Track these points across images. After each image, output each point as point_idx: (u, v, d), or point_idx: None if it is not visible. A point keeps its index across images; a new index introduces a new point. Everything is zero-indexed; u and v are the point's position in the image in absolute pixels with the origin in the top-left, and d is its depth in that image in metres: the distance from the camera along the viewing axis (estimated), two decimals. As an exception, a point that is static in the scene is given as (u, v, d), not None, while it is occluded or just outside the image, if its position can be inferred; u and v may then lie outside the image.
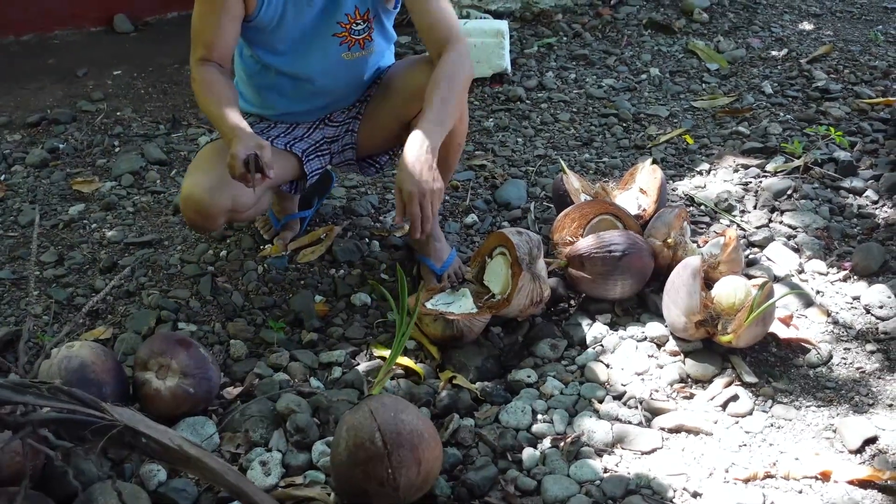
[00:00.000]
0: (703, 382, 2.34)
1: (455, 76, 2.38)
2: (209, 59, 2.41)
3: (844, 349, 2.44)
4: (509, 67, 4.24)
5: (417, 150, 2.24)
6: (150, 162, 3.51)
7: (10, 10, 4.70)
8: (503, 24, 4.24)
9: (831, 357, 2.41)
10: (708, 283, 2.53)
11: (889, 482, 1.99)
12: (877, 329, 2.51)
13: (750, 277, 2.53)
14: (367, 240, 2.97)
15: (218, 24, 2.38)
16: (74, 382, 2.01)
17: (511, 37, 4.45)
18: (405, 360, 2.41)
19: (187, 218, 2.47)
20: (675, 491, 1.99)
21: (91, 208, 3.20)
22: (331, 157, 2.75)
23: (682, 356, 2.42)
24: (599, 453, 2.12)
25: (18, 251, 2.94)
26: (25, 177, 3.42)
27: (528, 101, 4.04)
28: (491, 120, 3.85)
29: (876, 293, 2.60)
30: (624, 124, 3.82)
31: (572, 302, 2.65)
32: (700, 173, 3.38)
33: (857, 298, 2.63)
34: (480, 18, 4.67)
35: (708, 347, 2.42)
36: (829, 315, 2.57)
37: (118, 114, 3.95)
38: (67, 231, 3.06)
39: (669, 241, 2.63)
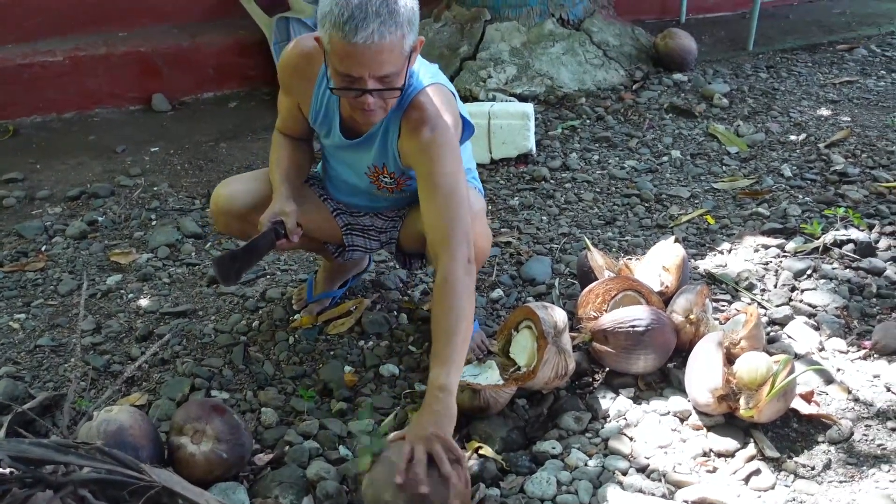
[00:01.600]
0: (726, 456, 2.37)
1: (445, 301, 2.27)
2: (282, 131, 2.70)
3: (865, 426, 2.47)
4: (534, 148, 4.35)
5: (431, 432, 2.09)
6: (185, 235, 3.62)
7: (53, 88, 4.89)
8: (528, 107, 4.37)
9: (852, 434, 2.44)
10: (729, 359, 2.57)
11: (911, 557, 2.02)
12: (897, 407, 2.54)
13: (771, 354, 2.58)
14: (395, 312, 3.04)
15: (285, 114, 2.67)
16: (113, 445, 2.06)
17: (536, 119, 4.58)
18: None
19: (212, 214, 2.75)
20: (698, 563, 2.02)
21: (128, 279, 3.30)
22: (380, 244, 2.86)
23: (704, 430, 2.46)
24: (623, 525, 2.15)
25: (58, 319, 3.03)
26: (65, 248, 3.53)
27: (552, 181, 4.14)
28: (516, 199, 3.95)
29: (896, 371, 2.64)
30: (646, 204, 3.90)
31: (596, 376, 2.70)
32: (721, 252, 3.45)
33: (877, 376, 2.66)
34: (506, 101, 4.81)
35: (730, 422, 2.46)
36: (849, 392, 2.61)
37: (155, 189, 4.08)
38: (105, 300, 3.16)
39: (692, 317, 2.69)
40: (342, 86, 2.20)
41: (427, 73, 2.42)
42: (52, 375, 2.74)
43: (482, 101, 4.87)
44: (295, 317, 2.98)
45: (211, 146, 4.59)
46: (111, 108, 5.05)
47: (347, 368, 2.75)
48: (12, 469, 1.79)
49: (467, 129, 2.51)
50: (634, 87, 5.32)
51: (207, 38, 5.28)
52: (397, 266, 3.01)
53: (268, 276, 3.32)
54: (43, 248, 3.54)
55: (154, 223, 3.76)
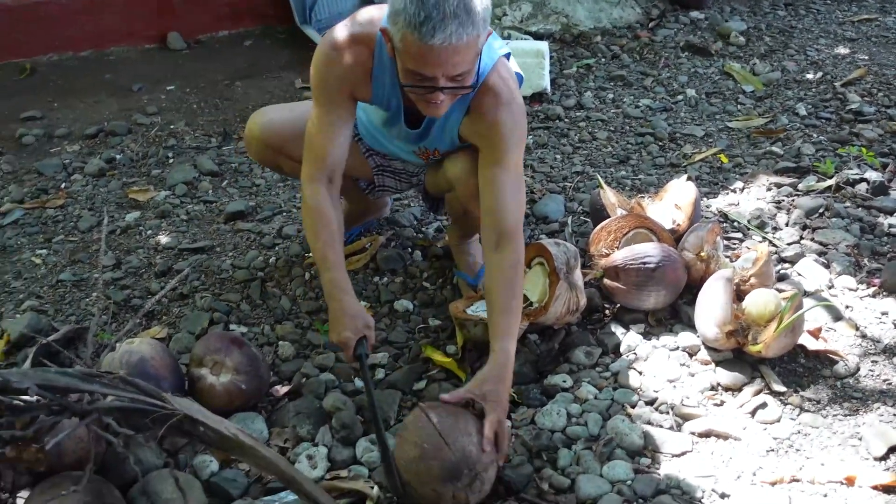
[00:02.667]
0: (733, 390, 2.41)
1: (517, 283, 2.30)
2: (320, 175, 2.38)
3: (872, 362, 2.51)
4: (549, 87, 4.35)
5: (502, 379, 2.19)
6: (202, 173, 3.66)
7: (69, 27, 4.88)
8: (544, 45, 4.36)
9: (859, 369, 2.48)
10: (739, 295, 2.61)
11: (912, 488, 2.07)
12: (904, 343, 2.58)
13: (780, 291, 2.61)
14: (409, 249, 3.08)
15: (331, 132, 2.37)
16: (135, 376, 2.11)
17: (551, 57, 4.56)
18: (448, 363, 2.53)
19: (245, 137, 2.75)
20: (703, 492, 2.07)
21: (146, 216, 3.35)
22: (411, 186, 2.90)
23: (713, 365, 2.50)
24: (631, 455, 2.20)
25: (79, 255, 3.09)
26: (84, 185, 3.58)
27: (566, 120, 4.15)
28: (531, 137, 3.96)
29: (904, 309, 2.67)
30: (660, 143, 3.91)
31: (607, 312, 2.74)
32: (733, 191, 3.46)
33: (885, 314, 2.70)
34: (522, 39, 4.79)
35: (738, 357, 2.50)
36: (857, 329, 2.64)
37: (171, 127, 4.10)
38: (124, 237, 3.21)
39: (702, 254, 2.72)
40: (413, 83, 2.13)
41: (488, 49, 2.32)
42: (74, 309, 2.80)
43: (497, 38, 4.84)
44: (310, 254, 3.02)
45: (226, 85, 4.60)
46: (127, 46, 5.04)
47: (363, 303, 2.80)
48: (39, 397, 1.85)
49: (519, 79, 2.51)
50: (650, 25, 5.29)
51: (222, -24, 5.27)
52: (424, 207, 3.02)
53: (284, 214, 3.36)
54: (62, 186, 3.59)
55: (171, 161, 3.79)
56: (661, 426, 2.30)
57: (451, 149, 2.54)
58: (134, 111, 4.27)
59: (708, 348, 2.55)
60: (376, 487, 2.09)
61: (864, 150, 3.67)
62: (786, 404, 2.36)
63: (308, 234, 2.41)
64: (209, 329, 2.67)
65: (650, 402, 2.39)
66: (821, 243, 3.06)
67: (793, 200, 3.35)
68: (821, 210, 3.25)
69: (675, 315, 2.72)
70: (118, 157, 3.81)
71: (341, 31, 2.34)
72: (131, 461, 1.95)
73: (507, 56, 2.44)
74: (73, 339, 2.61)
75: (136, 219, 3.32)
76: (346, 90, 2.36)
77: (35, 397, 1.84)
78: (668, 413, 2.34)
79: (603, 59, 4.82)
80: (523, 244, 2.35)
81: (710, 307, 2.49)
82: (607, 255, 2.77)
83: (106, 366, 2.20)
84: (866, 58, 4.77)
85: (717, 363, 2.50)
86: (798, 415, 2.33)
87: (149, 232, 3.24)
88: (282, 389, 2.45)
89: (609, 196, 3.03)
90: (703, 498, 2.06)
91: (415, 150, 2.60)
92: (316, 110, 2.38)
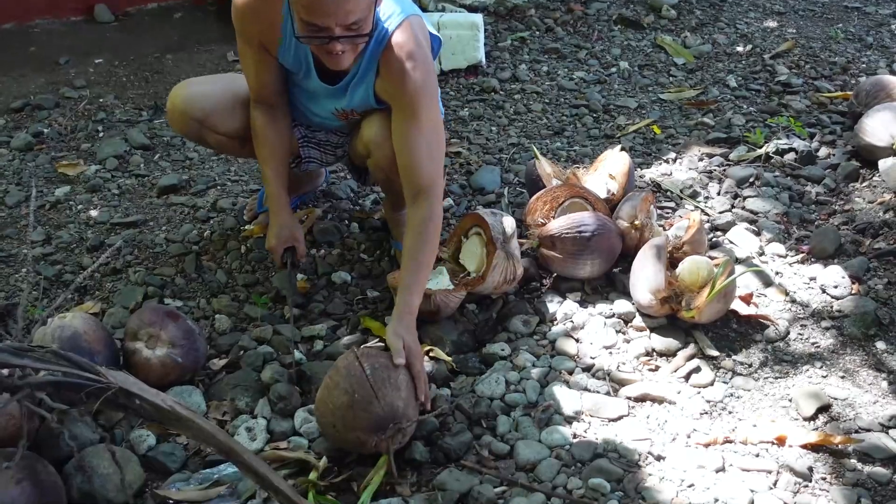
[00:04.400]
0: (668, 356, 2.46)
1: (428, 238, 2.36)
2: (258, 101, 2.59)
3: (801, 326, 2.57)
4: (484, 59, 4.35)
5: (410, 329, 2.25)
6: (133, 147, 3.58)
7: (-10, -2, 4.74)
8: (478, 18, 4.35)
9: (788, 333, 2.54)
10: (672, 263, 2.65)
11: (839, 446, 2.13)
12: (831, 307, 2.64)
13: (712, 259, 2.66)
14: (346, 221, 3.07)
15: (254, 72, 2.52)
16: (68, 350, 2.08)
17: (486, 30, 4.55)
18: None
19: (168, 116, 2.69)
20: (640, 455, 2.11)
21: (76, 190, 3.28)
22: (335, 158, 2.87)
23: (647, 331, 2.54)
24: (569, 420, 2.23)
25: (6, 231, 3.01)
26: (11, 160, 3.49)
27: (501, 92, 4.15)
28: (466, 110, 3.96)
29: (831, 274, 2.73)
30: (594, 115, 3.94)
31: (544, 281, 2.76)
32: (666, 161, 3.51)
33: (813, 279, 2.76)
34: (456, 12, 4.77)
35: (672, 323, 2.55)
36: (787, 294, 2.70)
37: (101, 100, 4.01)
38: (54, 212, 3.14)
39: (637, 223, 2.76)
40: (308, 34, 2.16)
41: (396, 5, 2.35)
42: (3, 285, 2.74)
43: (431, 11, 4.82)
44: (246, 227, 2.99)
45: (156, 58, 4.51)
46: (51, 19, 4.90)
47: (300, 276, 2.78)
48: (-32, 373, 1.80)
49: (436, 42, 2.51)
50: (584, -2, 5.31)
51: (150, -54, 5.15)
52: (353, 179, 3.02)
53: (218, 187, 3.31)
54: (-13, 161, 3.50)
55: (101, 135, 3.71)
56: (598, 392, 2.33)
57: (369, 108, 2.54)
58: (61, 84, 4.17)
59: (642, 315, 2.58)
60: (324, 458, 2.08)
61: (792, 120, 3.74)
62: (718, 368, 2.41)
63: (257, 148, 2.62)
64: (143, 304, 2.63)
65: (587, 369, 2.42)
66: (751, 211, 3.13)
67: (724, 170, 3.41)
68: (751, 179, 3.31)
69: (611, 283, 2.75)
70: (46, 130, 3.72)
71: None
72: (66, 436, 1.92)
73: (418, 16, 2.43)
74: (1, 315, 2.55)
75: (66, 193, 3.25)
76: (256, 42, 2.43)
77: (-37, 374, 1.80)
78: (604, 379, 2.38)
79: (537, 32, 4.83)
80: (440, 200, 2.40)
81: (644, 275, 2.53)
82: (543, 224, 2.79)
83: (37, 340, 2.16)
84: (794, 31, 4.86)
85: (652, 329, 2.54)
86: (730, 378, 2.38)
87: (79, 207, 3.17)
88: (219, 363, 2.43)
89: (545, 167, 3.05)
90: (639, 461, 2.09)
91: (334, 111, 2.59)
92: (240, 48, 2.51)
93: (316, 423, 2.16)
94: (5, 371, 1.87)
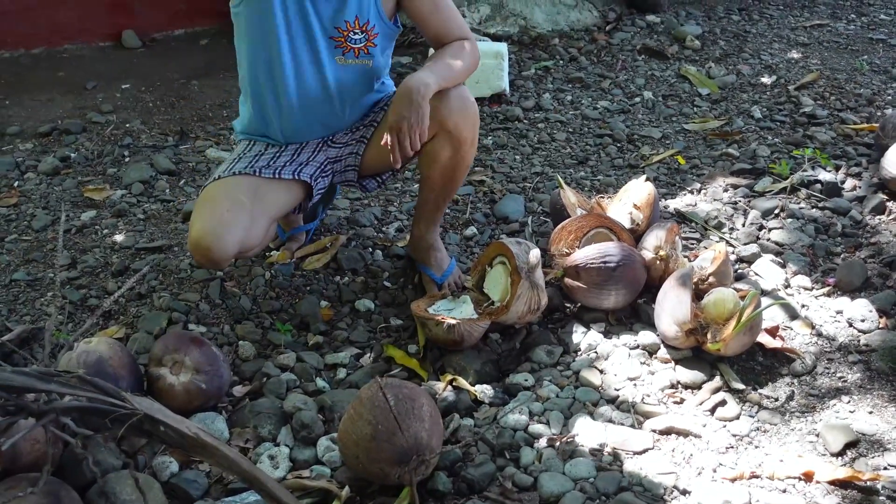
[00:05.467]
0: (693, 388, 2.44)
1: (461, 54, 2.58)
2: None
3: (828, 360, 2.55)
4: (508, 88, 4.36)
5: (410, 84, 2.41)
6: (159, 172, 3.61)
7: (22, 24, 4.80)
8: (502, 47, 4.37)
9: (815, 367, 2.52)
10: (698, 295, 2.63)
11: (867, 482, 2.10)
12: (858, 341, 2.61)
13: (738, 291, 2.64)
14: (370, 249, 3.07)
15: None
16: (93, 375, 2.08)
17: (509, 59, 4.57)
18: (410, 362, 2.53)
19: (197, 261, 2.53)
20: (665, 489, 2.08)
21: (102, 215, 3.30)
22: (333, 175, 2.81)
23: (672, 363, 2.52)
24: (593, 453, 2.21)
25: (33, 254, 3.03)
26: (38, 184, 3.52)
27: (525, 121, 4.16)
28: (490, 138, 3.97)
29: (858, 308, 2.71)
30: (618, 144, 3.94)
31: (568, 311, 2.76)
32: (691, 192, 3.50)
33: (840, 312, 2.74)
34: (480, 41, 4.80)
35: (697, 355, 2.53)
36: (813, 328, 2.68)
37: (127, 125, 4.05)
38: (80, 236, 3.16)
39: (662, 253, 2.75)
40: None
41: None
42: (29, 309, 2.75)
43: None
44: (271, 253, 3.00)
45: (182, 83, 4.55)
46: (81, 43, 4.97)
47: (324, 303, 2.79)
48: (-6, 397, 1.81)
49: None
50: (607, 28, 5.33)
51: (177, -26, 5.22)
52: (358, 190, 2.98)
53: (242, 213, 3.32)
54: (15, 184, 3.52)
55: (127, 160, 3.74)
56: (623, 424, 2.31)
57: (371, 20, 2.57)
58: (88, 109, 4.21)
59: (667, 347, 2.57)
60: (346, 488, 2.08)
61: (817, 152, 3.73)
62: (744, 402, 2.39)
63: None
64: (168, 329, 2.64)
65: (611, 401, 2.40)
66: (777, 243, 3.11)
67: (749, 201, 3.39)
68: (776, 211, 3.30)
69: (635, 314, 2.74)
70: (73, 155, 3.75)
71: None
72: (89, 462, 1.92)
73: None
74: (27, 339, 2.57)
75: (91, 218, 3.27)
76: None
77: (-10, 397, 1.81)
78: (629, 411, 2.36)
79: (561, 62, 4.85)
80: (477, 49, 2.64)
81: (670, 306, 2.52)
82: (568, 254, 2.78)
83: (63, 365, 2.17)
84: (818, 62, 4.85)
85: (677, 361, 2.52)
86: (757, 412, 2.36)
87: (105, 231, 3.19)
88: (242, 389, 2.43)
89: (569, 196, 3.05)
90: (664, 495, 2.07)
91: (333, 36, 2.56)
92: None
93: (339, 452, 2.16)
94: (31, 396, 1.88)
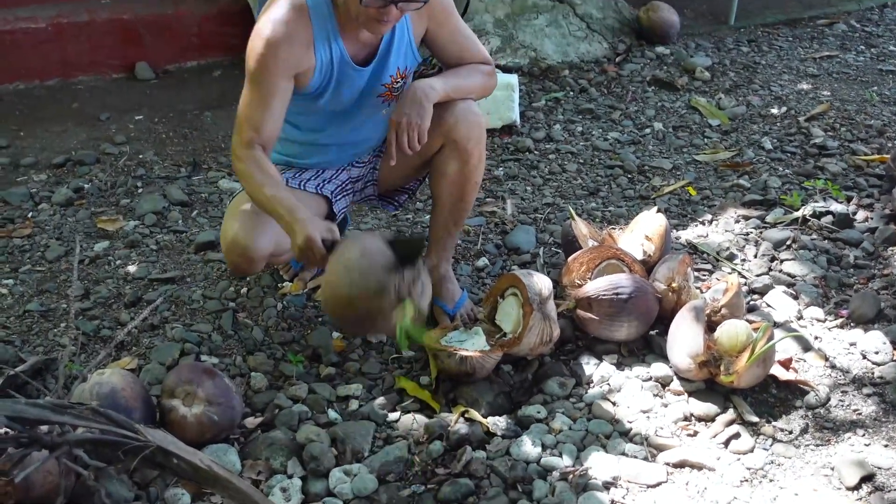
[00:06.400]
0: (706, 421, 2.43)
1: (475, 73, 2.66)
2: (256, 142, 2.41)
3: (842, 392, 2.54)
4: (518, 119, 4.38)
5: (416, 85, 2.50)
6: (172, 203, 3.62)
7: (35, 56, 4.84)
8: (513, 78, 4.39)
9: (829, 399, 2.51)
10: (710, 326, 2.63)
11: (884, 517, 2.09)
12: (873, 374, 2.61)
13: (750, 322, 2.64)
14: (382, 280, 3.07)
15: (269, 109, 2.40)
16: (106, 407, 2.09)
17: (520, 90, 4.59)
18: (422, 394, 2.52)
19: (231, 262, 2.56)
20: (679, 522, 2.08)
21: (115, 245, 3.31)
22: (353, 194, 2.85)
23: (685, 395, 2.52)
24: (606, 486, 2.20)
25: (47, 285, 3.04)
26: (52, 214, 3.54)
27: (536, 152, 4.18)
28: (501, 169, 3.98)
29: (872, 339, 2.70)
30: (629, 175, 3.95)
31: (580, 342, 2.75)
32: (702, 223, 3.50)
33: (853, 344, 2.73)
34: (490, 72, 4.82)
35: (710, 388, 2.52)
36: (826, 360, 2.67)
37: (140, 156, 4.07)
38: (93, 267, 3.17)
39: (674, 285, 2.74)
40: (371, 4, 2.25)
41: None
42: (42, 340, 2.76)
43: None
44: (283, 283, 3.01)
45: (195, 115, 4.58)
46: (94, 75, 5.00)
47: (336, 335, 2.78)
48: (8, 429, 1.82)
49: None
50: (617, 59, 5.35)
51: (190, 6, 5.25)
52: (378, 208, 3.00)
53: (255, 244, 3.33)
54: (29, 215, 3.54)
55: (140, 191, 3.76)
56: (636, 457, 2.30)
57: (412, 64, 2.63)
58: (102, 140, 4.24)
59: (680, 379, 2.56)
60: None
61: (829, 183, 3.73)
62: (758, 434, 2.38)
63: (251, 181, 2.40)
64: (180, 360, 2.64)
65: (624, 433, 2.39)
66: (789, 275, 3.10)
67: (760, 233, 3.39)
68: (788, 242, 3.29)
69: (648, 346, 2.73)
70: (86, 186, 3.77)
71: (278, 8, 2.38)
72: (102, 494, 1.92)
73: None
74: (40, 370, 2.58)
75: (104, 248, 3.29)
76: (290, 70, 2.41)
77: (3, 429, 1.81)
78: (642, 444, 2.35)
79: (571, 93, 4.87)
80: (495, 76, 2.73)
81: (682, 338, 2.51)
82: (580, 285, 2.78)
83: (77, 397, 2.17)
84: (828, 93, 4.86)
85: (690, 393, 2.52)
86: (771, 445, 2.35)
87: (118, 262, 3.20)
88: (255, 421, 2.42)
89: (581, 227, 3.05)
90: (678, 528, 2.06)
91: (383, 92, 2.61)
92: (254, 93, 2.41)
93: (330, 317, 2.14)
94: (45, 427, 1.88)
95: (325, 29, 2.42)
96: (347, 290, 2.11)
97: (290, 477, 2.22)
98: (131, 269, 3.15)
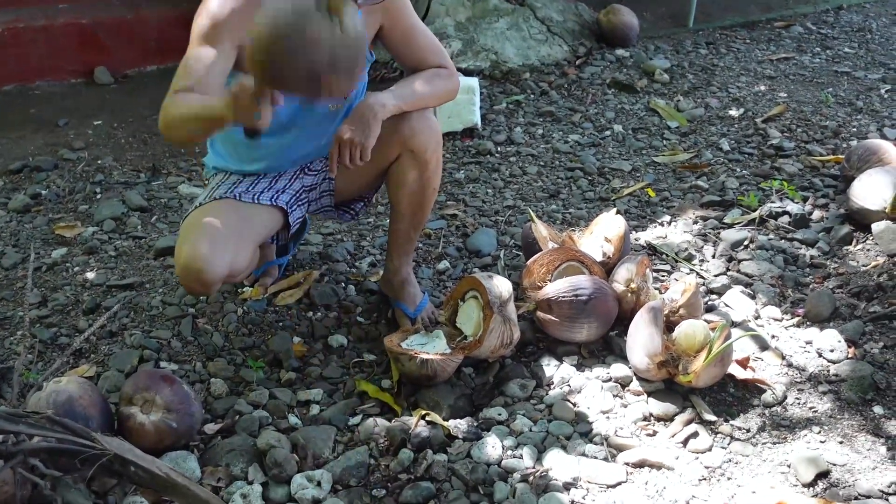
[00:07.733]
0: (665, 420, 2.45)
1: (434, 79, 2.62)
2: (192, 89, 2.31)
3: (798, 390, 2.57)
4: (479, 122, 4.40)
5: (367, 101, 2.49)
6: (131, 208, 3.60)
7: (-8, 61, 4.80)
8: (474, 81, 4.41)
9: (786, 397, 2.54)
10: (669, 327, 2.65)
11: (839, 513, 2.12)
12: (828, 371, 2.64)
13: (708, 322, 2.66)
14: (343, 284, 3.07)
15: (211, 66, 2.32)
16: (62, 415, 2.07)
17: (481, 93, 4.61)
18: (384, 397, 2.52)
19: (187, 286, 2.46)
20: (638, 522, 2.10)
21: (73, 252, 3.28)
22: (308, 204, 2.80)
23: (645, 396, 2.54)
24: (567, 487, 2.21)
25: (2, 293, 3.01)
26: (8, 221, 3.50)
27: (497, 155, 4.19)
28: (462, 172, 4.00)
29: (827, 338, 2.73)
30: (589, 178, 3.97)
31: (541, 344, 2.77)
32: (661, 224, 3.54)
33: (809, 343, 2.76)
34: (451, 75, 4.83)
35: (669, 387, 2.54)
36: (783, 358, 2.70)
37: (99, 162, 4.04)
38: (51, 274, 3.14)
39: (633, 286, 2.77)
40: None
41: None
42: (-2, 348, 2.73)
43: (428, 75, 4.88)
44: (244, 289, 2.99)
45: (155, 120, 4.46)
46: (52, 81, 4.96)
47: (296, 339, 2.78)
48: (-38, 439, 1.80)
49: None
50: (578, 62, 5.39)
51: (150, 11, 5.21)
52: (334, 219, 2.98)
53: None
54: (-15, 222, 3.50)
55: (99, 196, 3.73)
56: (596, 457, 2.32)
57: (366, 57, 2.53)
58: (60, 146, 4.20)
59: (640, 379, 2.58)
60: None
61: (785, 183, 3.78)
62: (716, 433, 2.40)
63: (177, 109, 2.28)
64: (139, 367, 2.62)
65: (584, 434, 2.41)
66: (746, 275, 3.14)
67: (718, 233, 3.43)
68: (746, 242, 3.33)
69: (607, 347, 2.75)
70: (44, 192, 3.73)
71: None
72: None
73: None
74: (-4, 378, 2.55)
75: (62, 255, 3.25)
76: (237, 40, 2.34)
77: (-42, 439, 1.79)
78: (602, 444, 2.37)
79: (532, 96, 4.89)
80: (457, 78, 2.70)
81: (641, 339, 2.53)
82: (540, 287, 2.80)
83: (32, 406, 2.14)
84: (785, 95, 4.93)
85: (649, 394, 2.54)
86: (729, 443, 2.37)
87: (76, 269, 3.17)
88: (214, 427, 2.41)
89: (540, 229, 3.07)
90: (638, 528, 2.08)
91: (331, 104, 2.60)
92: (199, 49, 2.34)
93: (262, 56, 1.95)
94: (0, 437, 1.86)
95: None
96: (278, 43, 1.96)
97: (251, 483, 2.21)
98: (90, 275, 3.12)
